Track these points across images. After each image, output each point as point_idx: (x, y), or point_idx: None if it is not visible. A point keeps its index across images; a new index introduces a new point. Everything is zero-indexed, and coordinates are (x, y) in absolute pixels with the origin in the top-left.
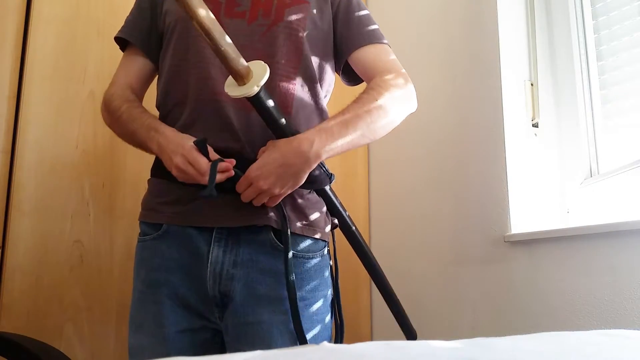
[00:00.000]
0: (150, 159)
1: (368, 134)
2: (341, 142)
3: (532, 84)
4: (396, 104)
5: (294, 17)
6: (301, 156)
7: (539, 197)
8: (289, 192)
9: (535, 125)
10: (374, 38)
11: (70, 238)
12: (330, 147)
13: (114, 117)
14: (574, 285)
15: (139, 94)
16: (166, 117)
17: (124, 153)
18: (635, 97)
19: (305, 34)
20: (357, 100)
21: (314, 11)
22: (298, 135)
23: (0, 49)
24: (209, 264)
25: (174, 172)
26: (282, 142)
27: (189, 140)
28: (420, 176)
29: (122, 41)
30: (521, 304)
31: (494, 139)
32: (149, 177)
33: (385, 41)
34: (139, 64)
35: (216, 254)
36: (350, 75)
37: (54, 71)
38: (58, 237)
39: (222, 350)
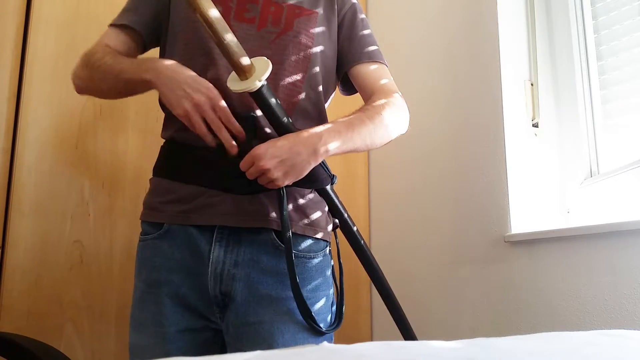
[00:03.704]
0: (151, 159)
1: (368, 141)
2: (345, 143)
3: (532, 84)
4: (395, 121)
5: (303, 27)
6: (310, 146)
7: (539, 197)
8: (289, 181)
9: (535, 125)
10: (374, 56)
11: (70, 238)
12: (336, 145)
13: (94, 67)
14: (574, 285)
15: None
16: (171, 113)
17: (124, 153)
18: (635, 97)
19: (313, 44)
20: (363, 110)
21: (323, 21)
22: (307, 129)
23: (0, 49)
24: (209, 264)
25: (186, 106)
26: (291, 134)
27: (203, 81)
28: (420, 176)
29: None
30: (521, 304)
31: (494, 139)
32: (150, 176)
33: (384, 62)
34: (130, 47)
35: (217, 253)
36: (347, 85)
37: (54, 71)
38: (58, 237)
39: (223, 350)
